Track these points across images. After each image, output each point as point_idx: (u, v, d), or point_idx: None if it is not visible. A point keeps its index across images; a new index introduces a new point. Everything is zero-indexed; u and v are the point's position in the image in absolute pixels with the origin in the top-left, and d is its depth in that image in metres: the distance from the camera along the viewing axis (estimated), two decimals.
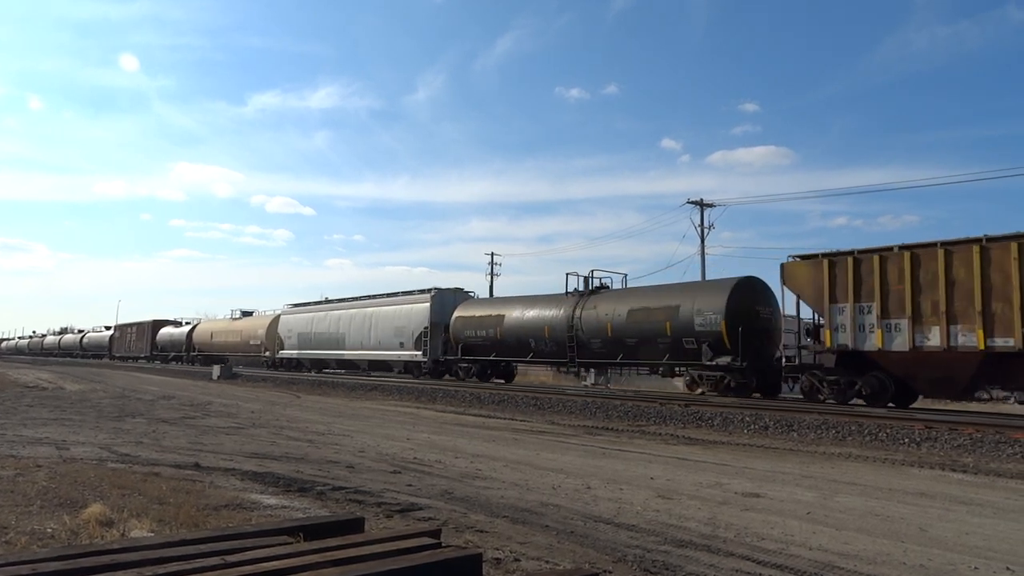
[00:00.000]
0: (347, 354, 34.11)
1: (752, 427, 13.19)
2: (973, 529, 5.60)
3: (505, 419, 15.20)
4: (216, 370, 33.41)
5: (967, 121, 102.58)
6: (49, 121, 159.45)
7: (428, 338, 28.54)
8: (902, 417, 13.08)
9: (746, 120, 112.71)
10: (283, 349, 39.06)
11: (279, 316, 40.79)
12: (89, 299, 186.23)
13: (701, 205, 40.05)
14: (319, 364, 36.76)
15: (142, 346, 60.29)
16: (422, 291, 30.33)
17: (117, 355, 66.07)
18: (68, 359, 73.53)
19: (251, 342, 43.30)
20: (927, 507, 6.47)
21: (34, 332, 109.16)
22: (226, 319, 49.89)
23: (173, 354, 55.48)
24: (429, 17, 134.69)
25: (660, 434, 12.58)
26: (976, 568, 4.51)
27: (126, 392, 21.06)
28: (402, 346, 30.22)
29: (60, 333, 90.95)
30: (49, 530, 4.64)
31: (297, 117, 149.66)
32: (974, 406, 16.20)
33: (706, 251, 39.75)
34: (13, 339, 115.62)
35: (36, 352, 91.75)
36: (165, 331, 57.98)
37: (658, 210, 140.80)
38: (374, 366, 33.38)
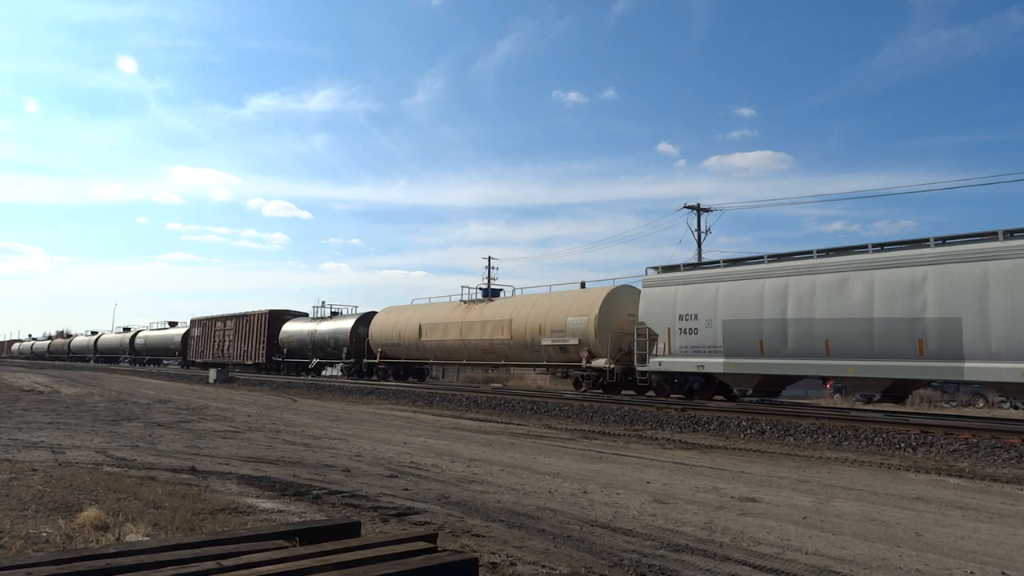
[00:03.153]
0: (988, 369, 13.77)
1: (748, 431, 13.20)
2: (969, 534, 5.61)
3: (502, 423, 15.19)
4: (212, 373, 33.26)
5: (965, 126, 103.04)
6: (45, 124, 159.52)
7: None
8: (898, 422, 13.10)
9: (743, 125, 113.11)
10: (669, 355, 19.26)
11: (644, 289, 20.64)
12: (85, 302, 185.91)
13: (698, 210, 40.14)
14: (771, 384, 18.52)
15: (250, 349, 41.49)
16: None
17: (197, 361, 48.10)
18: (103, 365, 58.67)
19: (546, 341, 23.45)
20: (923, 512, 6.48)
21: (30, 335, 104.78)
22: (447, 301, 29.75)
23: (316, 361, 36.10)
24: (428, 20, 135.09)
25: (656, 438, 12.58)
26: (972, 573, 4.52)
27: (122, 396, 21.01)
28: None
29: (93, 334, 73.28)
30: (44, 534, 4.62)
31: (295, 120, 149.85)
32: (970, 411, 16.17)
33: (703, 256, 39.79)
34: (27, 340, 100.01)
35: (60, 355, 76.80)
36: (294, 327, 38.47)
37: (656, 214, 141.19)
38: None
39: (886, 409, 16.61)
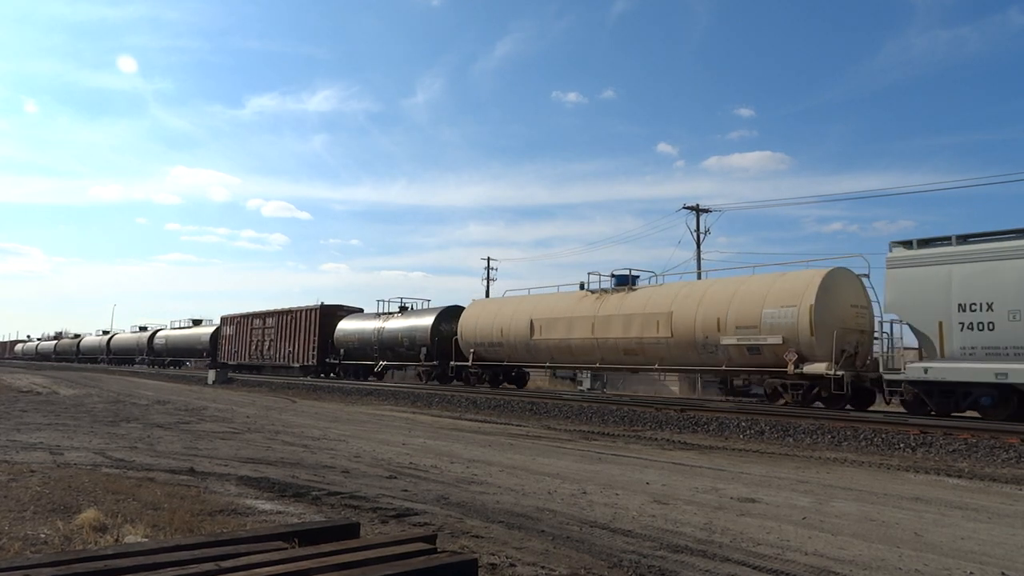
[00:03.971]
0: None
1: (748, 432, 13.20)
2: (968, 534, 5.61)
3: (501, 424, 15.19)
4: (211, 374, 33.09)
5: (964, 126, 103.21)
6: (44, 124, 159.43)
7: None
8: (897, 422, 13.10)
9: (742, 125, 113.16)
10: (941, 359, 14.34)
11: (891, 271, 15.30)
12: (84, 303, 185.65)
13: (697, 210, 40.13)
14: None
15: (296, 350, 37.23)
16: None
17: (230, 363, 42.52)
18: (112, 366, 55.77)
19: (727, 340, 18.03)
20: (922, 512, 6.48)
21: (29, 335, 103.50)
22: (563, 292, 24.74)
23: (384, 364, 31.26)
24: (427, 20, 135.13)
25: (656, 439, 12.58)
26: (971, 573, 4.52)
27: (120, 397, 20.99)
28: None
29: (105, 333, 69.75)
30: (43, 536, 4.61)
31: (295, 120, 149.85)
32: (968, 411, 16.03)
33: (702, 256, 39.81)
34: (32, 341, 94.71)
35: (68, 356, 73.48)
36: (353, 325, 33.64)
37: (655, 215, 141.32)
38: None
39: (885, 410, 16.53)
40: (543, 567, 4.33)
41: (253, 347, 41.62)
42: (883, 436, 11.69)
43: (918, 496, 7.33)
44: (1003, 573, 4.54)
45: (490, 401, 19.30)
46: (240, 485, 6.89)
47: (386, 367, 31.76)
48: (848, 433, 12.10)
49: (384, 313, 32.70)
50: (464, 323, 27.21)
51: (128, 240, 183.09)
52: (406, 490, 6.89)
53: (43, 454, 8.55)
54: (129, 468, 7.74)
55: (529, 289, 26.70)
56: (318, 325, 35.75)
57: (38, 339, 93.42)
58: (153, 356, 55.62)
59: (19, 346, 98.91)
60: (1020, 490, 7.94)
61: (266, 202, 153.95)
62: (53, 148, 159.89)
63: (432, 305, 31.79)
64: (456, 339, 27.33)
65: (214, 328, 48.11)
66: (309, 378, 33.96)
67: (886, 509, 6.56)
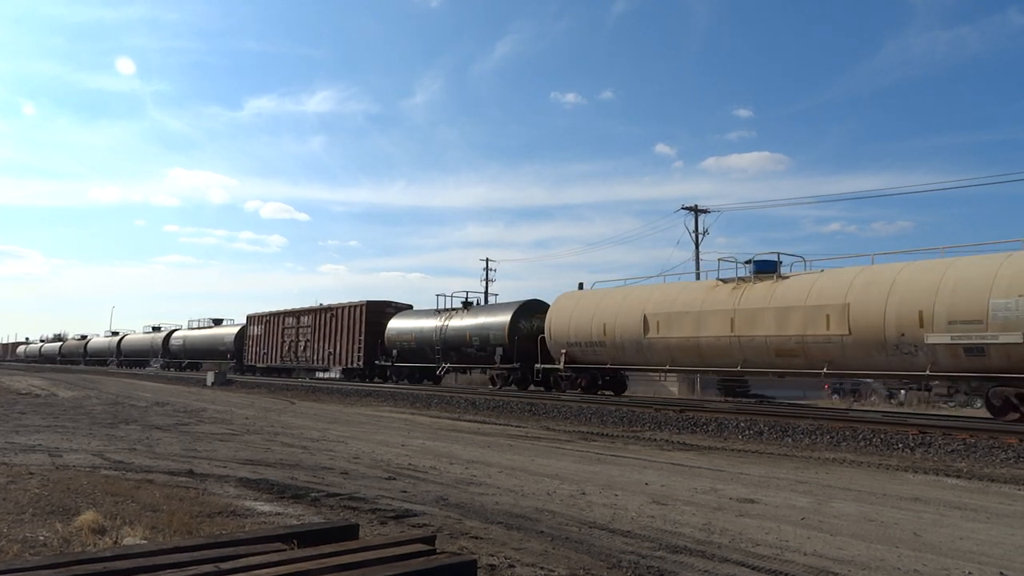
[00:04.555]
0: None
1: (746, 432, 13.21)
2: (967, 534, 5.62)
3: (500, 425, 15.19)
4: (210, 376, 33.13)
5: (964, 126, 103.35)
6: (43, 126, 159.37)
7: None
8: (896, 422, 13.11)
9: (740, 126, 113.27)
10: None
11: None
12: (83, 305, 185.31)
13: (696, 211, 40.17)
14: None
15: (339, 351, 33.75)
16: None
17: (259, 366, 40.66)
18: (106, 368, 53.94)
19: (935, 338, 14.47)
20: (921, 512, 6.48)
21: (27, 338, 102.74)
22: (684, 281, 22.75)
23: (447, 366, 28.22)
24: (426, 21, 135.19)
25: (655, 440, 12.59)
26: (970, 573, 4.52)
27: (119, 399, 20.97)
28: None
29: (115, 334, 66.13)
30: (41, 538, 4.61)
31: (293, 122, 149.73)
32: (968, 411, 15.92)
33: (700, 256, 39.83)
34: (36, 343, 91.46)
35: (74, 358, 70.33)
36: (407, 324, 30.39)
37: (654, 215, 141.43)
38: None
39: (884, 410, 16.54)
40: (542, 568, 4.33)
41: (285, 348, 38.34)
42: (882, 436, 11.71)
43: (917, 496, 7.34)
44: (1002, 573, 4.54)
45: (489, 402, 19.31)
46: (239, 487, 6.89)
47: (448, 370, 28.60)
48: (847, 433, 12.11)
49: (445, 310, 29.18)
50: (554, 319, 23.68)
51: (127, 242, 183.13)
52: (405, 491, 6.89)
53: (42, 456, 8.54)
54: (128, 470, 7.73)
55: (625, 279, 24.06)
56: (364, 323, 32.25)
57: (41, 340, 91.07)
58: (169, 358, 52.46)
59: (21, 348, 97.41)
60: (1019, 490, 7.96)
61: (264, 204, 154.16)
62: (51, 150, 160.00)
63: (502, 300, 29.46)
64: (542, 338, 23.95)
65: (239, 328, 44.78)
66: (357, 381, 30.86)
67: (885, 509, 6.56)
